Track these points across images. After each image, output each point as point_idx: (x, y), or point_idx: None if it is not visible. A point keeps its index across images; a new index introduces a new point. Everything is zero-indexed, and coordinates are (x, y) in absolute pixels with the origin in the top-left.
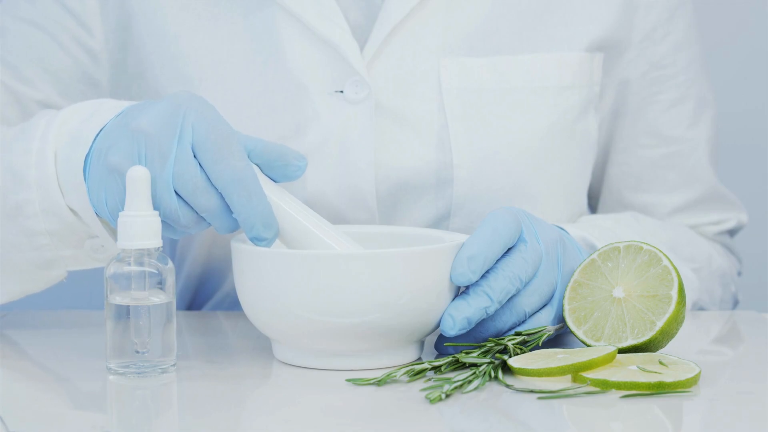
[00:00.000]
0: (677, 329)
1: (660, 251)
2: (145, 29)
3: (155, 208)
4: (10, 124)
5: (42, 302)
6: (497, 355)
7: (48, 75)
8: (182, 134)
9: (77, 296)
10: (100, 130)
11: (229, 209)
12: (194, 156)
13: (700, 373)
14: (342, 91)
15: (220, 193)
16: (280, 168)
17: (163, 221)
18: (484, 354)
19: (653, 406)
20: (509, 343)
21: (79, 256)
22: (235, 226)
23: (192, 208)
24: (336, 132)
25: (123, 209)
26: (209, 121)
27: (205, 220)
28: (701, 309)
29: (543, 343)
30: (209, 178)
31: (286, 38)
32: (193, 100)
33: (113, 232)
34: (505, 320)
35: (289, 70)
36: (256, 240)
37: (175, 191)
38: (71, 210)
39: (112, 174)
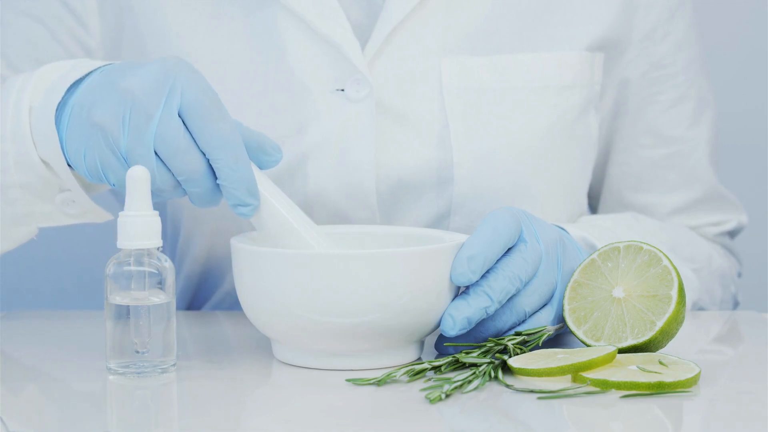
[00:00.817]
0: (677, 329)
1: (660, 251)
2: (145, 28)
3: (132, 166)
4: None
5: (42, 302)
6: (497, 355)
7: None
8: (169, 97)
9: (77, 296)
10: (76, 82)
11: (208, 175)
12: (181, 120)
13: (700, 373)
14: (343, 90)
15: (205, 157)
16: (256, 155)
17: None
18: (484, 354)
19: (653, 406)
20: (509, 343)
21: (51, 212)
22: (210, 197)
23: (170, 172)
24: (337, 131)
25: (102, 167)
26: (199, 85)
27: (180, 186)
28: (701, 309)
29: (543, 343)
30: (195, 141)
31: (287, 37)
32: (182, 65)
33: (85, 185)
34: (505, 320)
35: (290, 69)
36: (239, 206)
37: (156, 153)
38: (43, 162)
39: (93, 129)
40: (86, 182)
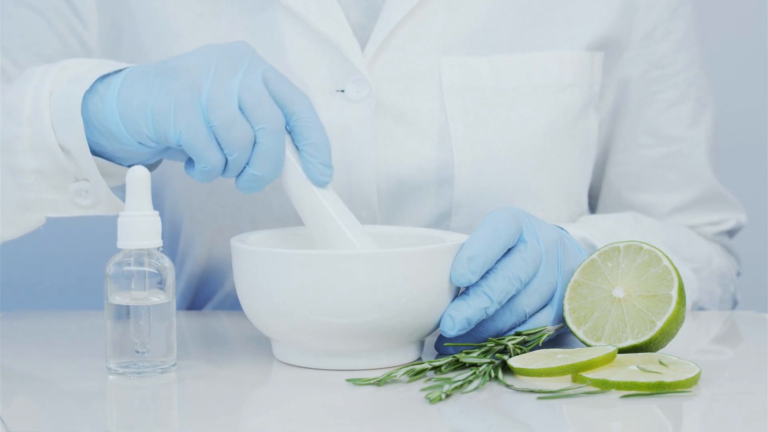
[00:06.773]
0: (677, 329)
1: (660, 251)
2: (144, 28)
3: (210, 116)
4: None
5: (42, 302)
6: (497, 355)
7: (41, 60)
8: (252, 61)
9: (77, 296)
10: (106, 75)
11: (283, 130)
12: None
13: (700, 373)
14: (343, 90)
15: (285, 113)
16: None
17: (198, 150)
18: (484, 354)
19: (653, 406)
20: (509, 343)
21: (60, 202)
22: (273, 168)
23: (248, 122)
24: (337, 131)
25: (175, 111)
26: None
27: (251, 147)
28: (701, 309)
29: (543, 343)
30: (276, 100)
31: (287, 37)
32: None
33: (106, 173)
34: (505, 320)
35: (290, 69)
36: (323, 166)
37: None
38: (62, 148)
39: (170, 74)
40: (104, 171)
